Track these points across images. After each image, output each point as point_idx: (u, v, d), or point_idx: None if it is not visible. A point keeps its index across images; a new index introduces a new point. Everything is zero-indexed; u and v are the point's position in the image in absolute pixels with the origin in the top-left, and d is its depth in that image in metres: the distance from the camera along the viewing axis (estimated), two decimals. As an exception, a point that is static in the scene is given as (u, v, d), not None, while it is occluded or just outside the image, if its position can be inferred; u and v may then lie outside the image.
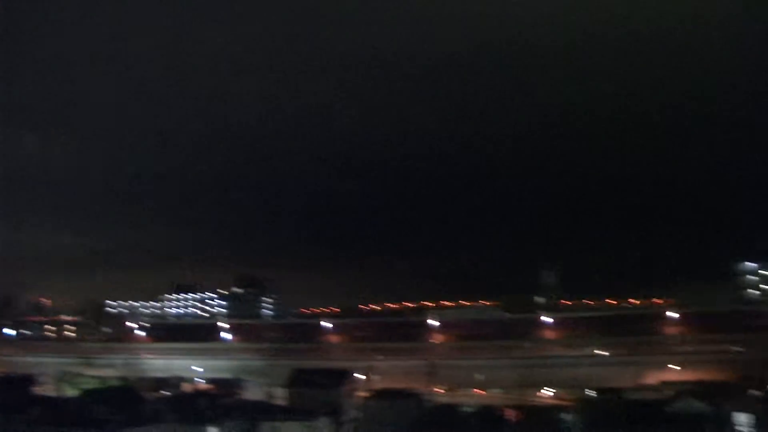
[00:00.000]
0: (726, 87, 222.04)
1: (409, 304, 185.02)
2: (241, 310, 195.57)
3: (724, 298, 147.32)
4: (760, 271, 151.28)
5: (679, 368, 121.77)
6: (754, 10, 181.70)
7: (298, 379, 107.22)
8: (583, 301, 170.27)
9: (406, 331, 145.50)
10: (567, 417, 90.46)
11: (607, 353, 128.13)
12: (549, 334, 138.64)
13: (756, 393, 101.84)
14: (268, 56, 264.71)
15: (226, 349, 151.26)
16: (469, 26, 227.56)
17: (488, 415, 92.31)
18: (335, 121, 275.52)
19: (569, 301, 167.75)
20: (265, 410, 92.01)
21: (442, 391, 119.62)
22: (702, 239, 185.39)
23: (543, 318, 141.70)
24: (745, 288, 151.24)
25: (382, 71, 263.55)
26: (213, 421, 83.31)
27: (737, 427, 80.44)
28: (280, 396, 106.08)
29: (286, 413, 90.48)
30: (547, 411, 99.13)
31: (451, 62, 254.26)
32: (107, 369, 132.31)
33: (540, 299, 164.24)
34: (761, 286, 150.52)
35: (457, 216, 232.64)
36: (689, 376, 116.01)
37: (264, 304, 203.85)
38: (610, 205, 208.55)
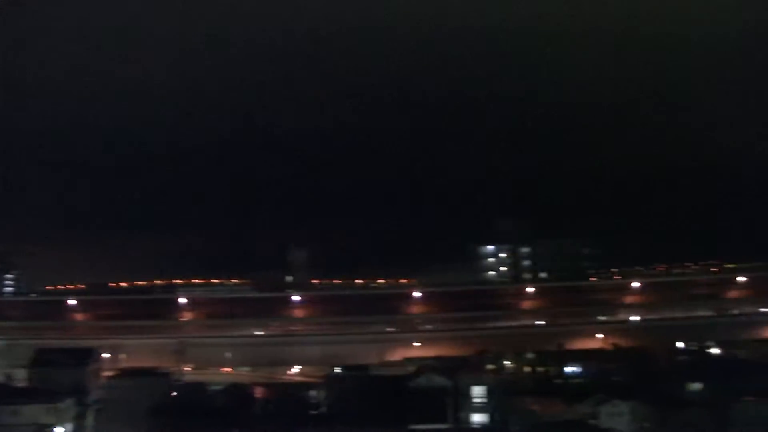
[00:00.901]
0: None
1: (159, 282, 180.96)
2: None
3: (464, 278, 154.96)
4: (497, 254, 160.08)
5: (421, 345, 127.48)
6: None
7: (40, 359, 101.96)
8: (333, 280, 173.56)
9: (154, 309, 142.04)
10: (315, 394, 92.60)
11: (354, 331, 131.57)
12: (298, 313, 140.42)
13: (491, 366, 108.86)
14: None
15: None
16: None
17: (236, 393, 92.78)
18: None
19: (319, 279, 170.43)
20: (3, 393, 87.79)
21: (191, 369, 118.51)
22: (445, 223, 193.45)
23: (293, 296, 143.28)
24: (484, 270, 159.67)
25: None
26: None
27: (473, 398, 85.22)
28: (21, 377, 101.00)
29: (27, 395, 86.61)
30: (295, 388, 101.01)
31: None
32: None
33: (290, 278, 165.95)
34: (499, 267, 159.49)
35: (209, 193, 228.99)
36: (431, 352, 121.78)
37: (4, 281, 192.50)
38: (358, 189, 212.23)
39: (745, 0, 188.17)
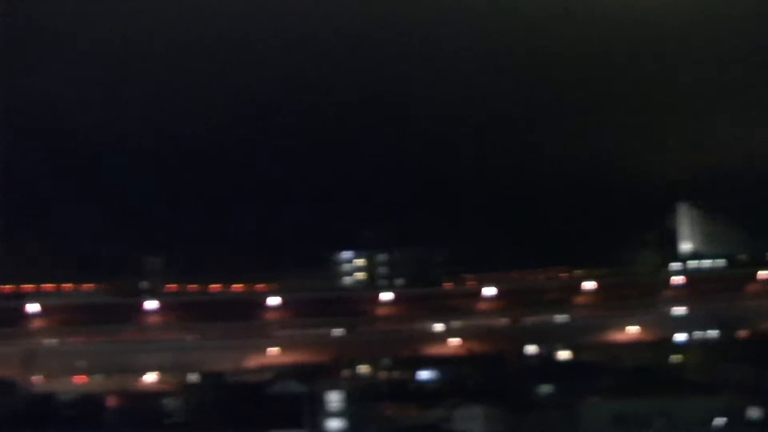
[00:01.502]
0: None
1: (5, 288, 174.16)
2: None
3: (321, 285, 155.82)
4: (354, 261, 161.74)
5: (277, 351, 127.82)
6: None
7: None
8: (188, 286, 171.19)
9: (1, 316, 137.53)
10: (170, 402, 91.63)
11: (209, 337, 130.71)
12: (153, 319, 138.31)
13: (347, 372, 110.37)
14: None
15: None
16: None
17: (89, 402, 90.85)
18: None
19: (174, 285, 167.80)
20: None
21: (40, 379, 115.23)
22: (302, 229, 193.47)
23: (147, 302, 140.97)
24: (341, 276, 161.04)
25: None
26: None
27: (329, 405, 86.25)
28: None
29: None
30: (149, 396, 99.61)
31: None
32: None
33: (144, 283, 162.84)
34: (355, 274, 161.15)
35: (58, 195, 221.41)
36: (287, 358, 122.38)
37: None
38: (213, 193, 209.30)
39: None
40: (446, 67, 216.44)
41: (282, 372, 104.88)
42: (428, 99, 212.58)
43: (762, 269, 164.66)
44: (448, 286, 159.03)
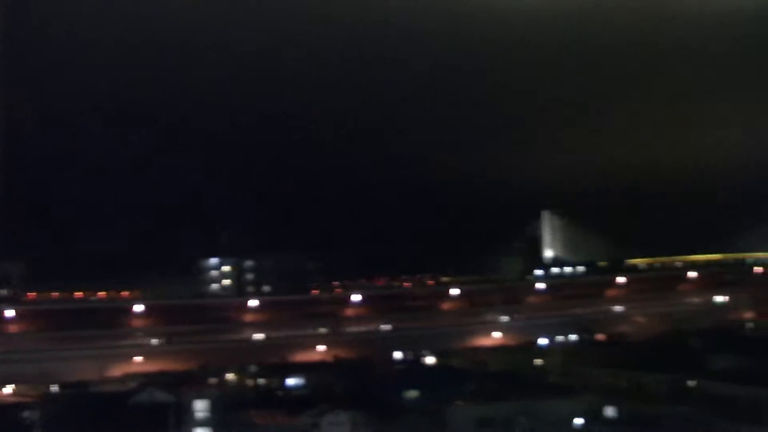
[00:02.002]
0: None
1: None
2: None
3: (187, 292, 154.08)
4: (220, 267, 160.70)
5: (143, 360, 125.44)
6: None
7: None
8: (51, 293, 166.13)
9: None
10: (30, 414, 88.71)
11: (72, 347, 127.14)
12: (12, 328, 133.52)
13: (214, 380, 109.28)
14: None
15: None
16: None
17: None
18: None
19: (35, 293, 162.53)
20: None
21: None
22: (168, 236, 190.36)
23: (6, 311, 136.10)
24: (208, 283, 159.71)
25: None
26: None
27: (196, 413, 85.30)
28: None
29: None
30: (8, 409, 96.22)
31: None
32: None
33: (2, 291, 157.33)
34: (222, 281, 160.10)
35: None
36: (153, 367, 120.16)
37: None
38: (78, 199, 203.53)
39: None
40: (309, 82, 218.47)
41: (147, 381, 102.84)
42: (300, 108, 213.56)
43: (620, 275, 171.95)
44: (315, 292, 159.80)
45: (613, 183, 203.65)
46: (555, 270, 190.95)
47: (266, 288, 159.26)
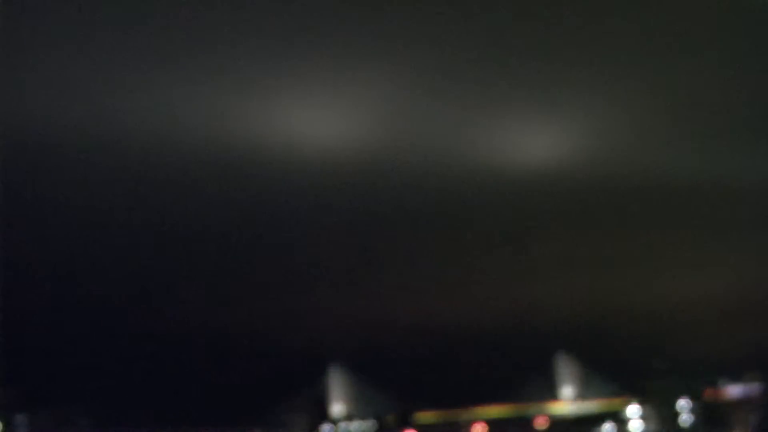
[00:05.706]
0: None
1: None
2: None
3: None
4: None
5: None
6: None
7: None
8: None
9: None
10: None
11: None
12: None
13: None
14: None
15: None
16: None
17: None
18: None
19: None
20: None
21: None
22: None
23: None
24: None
25: None
26: None
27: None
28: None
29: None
30: None
31: None
32: None
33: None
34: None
35: None
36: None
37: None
38: None
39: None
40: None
41: None
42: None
43: (407, 428, 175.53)
44: None
45: (404, 337, 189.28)
46: (342, 425, 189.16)
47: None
